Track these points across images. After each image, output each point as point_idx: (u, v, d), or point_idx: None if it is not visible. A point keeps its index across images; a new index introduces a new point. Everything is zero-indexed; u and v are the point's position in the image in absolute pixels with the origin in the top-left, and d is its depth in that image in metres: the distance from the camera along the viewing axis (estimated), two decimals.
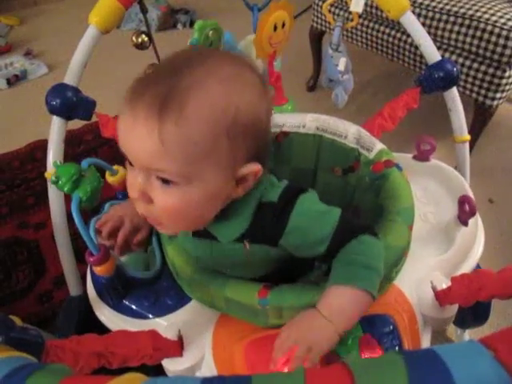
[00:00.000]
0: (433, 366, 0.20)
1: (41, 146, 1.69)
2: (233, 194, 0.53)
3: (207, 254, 0.60)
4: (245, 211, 0.55)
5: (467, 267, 0.71)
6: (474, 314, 0.77)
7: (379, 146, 0.78)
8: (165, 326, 0.61)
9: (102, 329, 0.64)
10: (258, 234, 0.55)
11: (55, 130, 0.84)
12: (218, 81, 0.48)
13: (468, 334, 1.01)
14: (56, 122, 0.83)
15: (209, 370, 0.58)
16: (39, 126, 1.80)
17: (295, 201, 0.55)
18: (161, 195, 0.49)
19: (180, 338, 0.59)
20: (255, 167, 0.52)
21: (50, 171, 0.63)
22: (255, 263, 0.60)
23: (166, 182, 0.48)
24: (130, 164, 0.50)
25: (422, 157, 0.86)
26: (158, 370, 0.58)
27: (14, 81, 2.18)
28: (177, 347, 0.58)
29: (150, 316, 0.64)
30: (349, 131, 0.80)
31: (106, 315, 0.67)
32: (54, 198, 0.88)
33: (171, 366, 0.57)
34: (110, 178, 0.77)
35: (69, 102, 0.81)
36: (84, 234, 0.57)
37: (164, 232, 0.57)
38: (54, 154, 0.84)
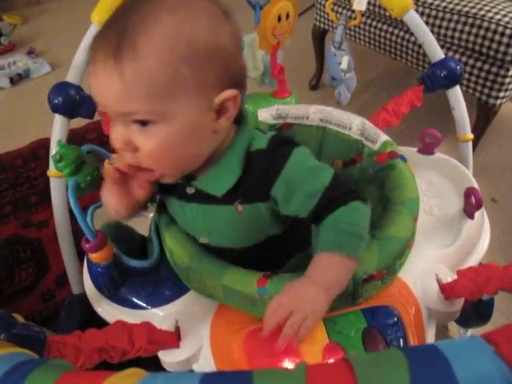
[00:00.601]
0: (434, 361, 0.20)
1: (43, 145, 1.69)
2: (217, 127, 0.52)
3: (200, 219, 0.60)
4: (233, 160, 0.55)
5: (473, 261, 0.70)
6: (476, 313, 0.76)
7: (383, 137, 0.78)
8: (161, 316, 0.61)
9: (104, 326, 0.64)
10: (249, 185, 0.55)
11: (58, 129, 0.84)
12: (165, 11, 0.47)
13: (471, 334, 1.01)
14: (58, 120, 0.83)
15: (206, 361, 0.57)
16: (42, 125, 1.81)
17: (290, 152, 0.55)
18: (142, 139, 0.49)
19: (177, 329, 0.58)
20: (231, 92, 0.51)
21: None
22: (247, 227, 0.59)
23: (142, 123, 0.48)
24: (107, 115, 0.51)
25: (426, 150, 0.85)
26: (159, 364, 0.58)
27: (17, 80, 2.19)
28: (173, 338, 0.57)
29: (147, 306, 0.63)
30: (353, 123, 0.80)
31: (103, 306, 0.66)
32: (57, 196, 0.89)
33: (167, 357, 0.56)
34: (108, 166, 0.77)
35: (71, 101, 0.81)
36: (80, 219, 0.56)
37: (164, 181, 0.56)
38: None
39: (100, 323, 0.65)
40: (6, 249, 1.31)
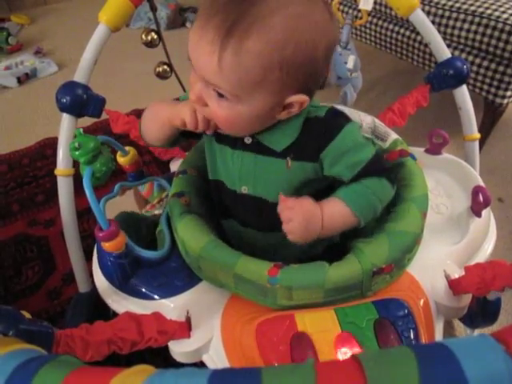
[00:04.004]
0: (444, 360, 0.20)
1: (51, 144, 1.70)
2: (277, 116, 0.59)
3: (250, 168, 0.65)
4: (294, 125, 0.62)
5: (480, 258, 0.71)
6: (483, 313, 0.76)
7: (393, 136, 0.79)
8: (172, 307, 0.61)
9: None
10: (303, 145, 0.62)
11: (65, 128, 0.84)
12: (285, 16, 0.51)
13: (478, 334, 1.00)
14: (66, 119, 0.84)
15: (217, 352, 0.57)
16: (49, 124, 1.82)
17: (345, 123, 0.62)
18: (214, 104, 0.56)
19: (188, 320, 0.58)
20: (303, 98, 0.57)
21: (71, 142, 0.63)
22: (291, 181, 0.64)
23: (220, 95, 0.54)
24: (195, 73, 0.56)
25: (434, 150, 0.86)
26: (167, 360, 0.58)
27: (24, 79, 2.20)
28: (184, 329, 0.57)
29: (158, 297, 0.63)
30: (364, 121, 0.81)
31: (113, 297, 0.66)
32: (64, 195, 0.89)
33: (177, 347, 0.56)
34: (120, 159, 0.78)
35: (79, 100, 0.82)
36: (95, 207, 0.56)
37: (220, 130, 0.62)
38: (63, 152, 0.85)
39: (107, 321, 0.65)
40: (13, 247, 1.32)
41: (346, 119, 0.63)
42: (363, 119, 0.81)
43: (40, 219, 1.42)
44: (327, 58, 0.58)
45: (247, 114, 0.56)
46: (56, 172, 0.87)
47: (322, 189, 0.66)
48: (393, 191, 0.63)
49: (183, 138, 0.70)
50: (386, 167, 0.64)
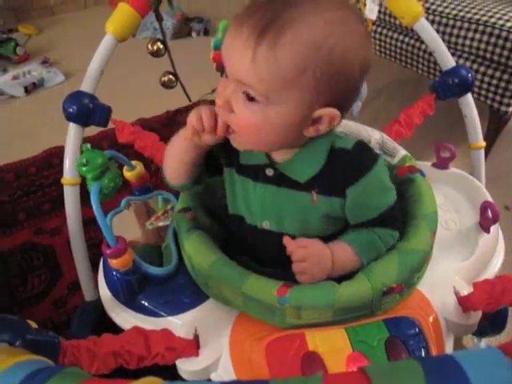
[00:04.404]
0: (451, 373, 0.20)
1: (57, 153, 1.71)
2: (304, 132, 0.56)
3: (273, 202, 0.62)
4: (319, 152, 0.59)
5: (489, 274, 0.70)
6: (490, 322, 0.75)
7: (402, 151, 0.79)
8: (180, 324, 0.60)
9: (116, 333, 0.64)
10: (329, 178, 0.59)
11: (72, 137, 0.85)
12: (322, 20, 0.51)
13: (485, 343, 0.99)
14: (73, 128, 0.85)
15: (225, 371, 0.56)
16: (55, 133, 1.83)
17: (374, 162, 0.59)
18: (242, 109, 0.54)
19: (196, 337, 0.58)
20: (334, 112, 0.54)
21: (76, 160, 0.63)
22: (317, 217, 0.61)
23: (249, 98, 0.53)
24: (226, 76, 0.55)
25: (441, 164, 0.86)
26: (175, 374, 0.57)
27: (31, 88, 2.22)
28: (192, 347, 0.56)
29: (165, 314, 0.63)
30: (372, 137, 0.81)
31: (118, 313, 0.66)
32: (70, 204, 0.90)
33: (185, 365, 0.56)
34: (127, 173, 0.78)
35: (85, 109, 0.82)
36: (102, 224, 0.56)
37: (236, 146, 0.60)
38: (70, 160, 0.86)
39: (113, 330, 0.65)
40: (19, 255, 1.32)
41: (375, 156, 0.61)
42: (371, 135, 0.81)
43: (46, 228, 1.42)
44: (362, 73, 0.56)
45: (275, 119, 0.53)
46: (63, 181, 0.88)
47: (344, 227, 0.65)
48: (396, 238, 0.63)
49: (207, 173, 0.68)
50: (399, 217, 0.64)
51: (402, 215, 0.66)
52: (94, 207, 0.56)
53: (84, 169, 0.60)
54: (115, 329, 0.66)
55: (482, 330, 0.79)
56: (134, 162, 0.79)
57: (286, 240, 0.59)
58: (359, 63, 0.54)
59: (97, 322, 0.98)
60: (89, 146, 0.63)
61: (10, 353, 0.37)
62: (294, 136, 0.57)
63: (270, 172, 0.61)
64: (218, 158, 0.66)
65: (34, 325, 0.49)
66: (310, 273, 0.57)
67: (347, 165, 0.58)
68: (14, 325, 0.46)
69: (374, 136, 0.81)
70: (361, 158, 0.60)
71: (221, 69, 0.84)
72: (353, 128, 0.82)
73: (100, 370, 0.50)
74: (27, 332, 0.46)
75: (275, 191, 0.61)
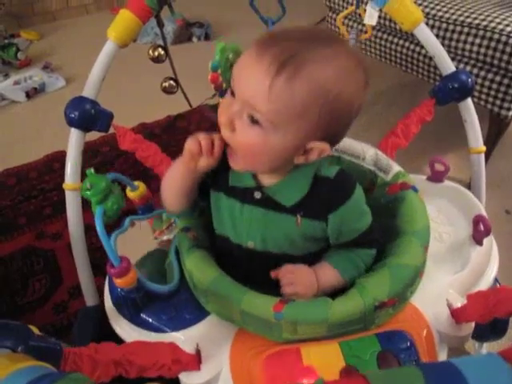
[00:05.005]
0: (451, 379, 0.20)
1: (58, 157, 1.72)
2: (295, 160, 0.61)
3: (260, 224, 0.66)
4: (304, 178, 0.64)
5: (482, 286, 0.71)
6: (491, 327, 0.75)
7: (396, 168, 0.79)
8: (182, 340, 0.61)
9: (117, 339, 0.64)
10: (313, 203, 0.63)
11: (73, 142, 0.85)
12: (333, 66, 0.56)
13: (486, 348, 0.99)
14: (74, 133, 0.85)
15: None
16: (56, 138, 1.84)
17: (354, 190, 0.65)
18: (245, 130, 0.58)
19: (198, 352, 0.59)
20: (325, 146, 0.60)
21: (80, 184, 0.65)
22: (300, 239, 0.66)
23: (253, 121, 0.56)
24: (232, 94, 0.59)
25: (435, 178, 0.87)
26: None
27: (32, 94, 2.23)
28: (195, 361, 0.58)
29: (168, 330, 0.64)
30: (367, 153, 0.81)
31: (123, 327, 0.67)
32: (72, 209, 0.90)
33: (188, 379, 0.57)
34: (130, 194, 0.79)
35: (87, 115, 0.83)
36: (107, 245, 0.57)
37: (232, 165, 0.63)
38: (72, 165, 0.86)
39: (114, 336, 0.65)
40: (21, 260, 1.33)
41: (354, 183, 0.66)
42: (366, 151, 0.81)
43: (47, 232, 1.43)
44: (356, 115, 0.62)
45: (275, 145, 0.58)
46: (64, 186, 0.88)
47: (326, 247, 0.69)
48: (374, 253, 0.68)
49: (202, 199, 0.72)
50: (377, 237, 0.68)
51: (381, 234, 0.70)
52: (99, 230, 0.57)
53: (88, 193, 0.62)
54: (116, 335, 0.67)
55: (483, 335, 0.80)
56: (136, 183, 0.80)
57: (274, 273, 0.64)
58: (357, 106, 0.60)
59: (98, 327, 0.98)
60: (92, 170, 0.65)
61: (12, 359, 0.37)
62: (285, 162, 0.61)
63: (258, 195, 0.65)
64: (207, 184, 0.70)
65: (35, 330, 0.49)
66: (298, 294, 0.62)
67: (330, 192, 0.63)
68: (16, 331, 0.46)
69: (369, 153, 0.81)
70: (343, 186, 0.65)
71: (219, 89, 0.86)
72: (347, 144, 0.83)
73: (101, 378, 0.50)
74: (30, 338, 0.46)
75: (262, 213, 0.65)
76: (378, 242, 0.68)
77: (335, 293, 0.62)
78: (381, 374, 0.21)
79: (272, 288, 0.64)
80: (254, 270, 0.68)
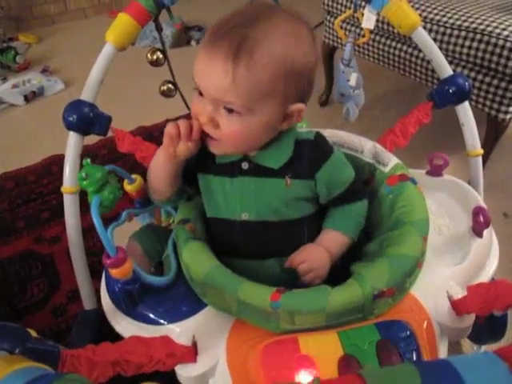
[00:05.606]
0: (447, 377, 0.20)
1: (57, 161, 1.71)
2: (278, 127, 0.66)
3: (251, 193, 0.68)
4: (287, 142, 0.68)
5: (483, 278, 0.71)
6: (490, 329, 0.76)
7: (394, 160, 0.80)
8: (178, 331, 0.61)
9: (114, 340, 0.64)
10: (299, 164, 0.68)
11: (72, 145, 0.85)
12: (279, 35, 0.60)
13: (484, 350, 0.99)
14: (73, 137, 0.85)
15: (222, 376, 0.57)
16: (55, 141, 1.84)
17: (332, 148, 0.71)
18: (227, 122, 0.62)
19: (194, 344, 0.59)
20: (301, 106, 0.65)
21: (73, 184, 0.65)
22: (291, 200, 0.69)
23: (230, 111, 0.61)
24: (200, 94, 0.63)
25: (435, 172, 0.87)
26: (173, 380, 0.58)
27: (31, 97, 2.23)
28: (191, 353, 0.57)
29: (164, 322, 0.64)
30: (365, 147, 0.82)
31: (119, 322, 0.67)
32: (70, 212, 0.90)
33: (184, 371, 0.57)
34: (127, 187, 0.79)
35: (85, 118, 0.83)
36: (102, 234, 0.57)
37: (215, 151, 0.67)
38: (70, 169, 0.86)
39: (112, 339, 0.65)
40: (19, 264, 1.32)
41: (331, 144, 0.73)
42: (364, 144, 0.82)
43: (45, 236, 1.42)
44: (315, 70, 0.67)
45: (257, 125, 0.62)
46: (62, 190, 0.88)
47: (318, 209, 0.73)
48: (367, 203, 0.75)
49: (188, 187, 0.75)
50: (362, 188, 0.76)
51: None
52: (95, 219, 0.57)
53: (84, 183, 0.63)
54: (115, 337, 0.66)
55: (481, 337, 0.80)
56: (133, 176, 0.79)
57: (288, 264, 0.67)
58: (313, 63, 0.65)
59: (97, 331, 0.97)
60: (89, 160, 0.65)
61: (9, 360, 0.37)
62: (271, 134, 0.66)
63: (245, 166, 0.69)
64: (192, 171, 0.73)
65: (33, 333, 0.49)
66: (318, 276, 0.66)
67: (313, 152, 0.69)
68: (13, 333, 0.46)
69: (367, 146, 0.82)
70: (323, 145, 0.71)
71: None
72: (345, 138, 0.83)
73: (99, 379, 0.50)
74: (27, 340, 0.46)
75: (252, 181, 0.68)
76: (365, 192, 0.75)
77: (335, 283, 0.61)
78: (376, 372, 0.21)
79: (269, 257, 0.69)
80: (250, 244, 0.70)
